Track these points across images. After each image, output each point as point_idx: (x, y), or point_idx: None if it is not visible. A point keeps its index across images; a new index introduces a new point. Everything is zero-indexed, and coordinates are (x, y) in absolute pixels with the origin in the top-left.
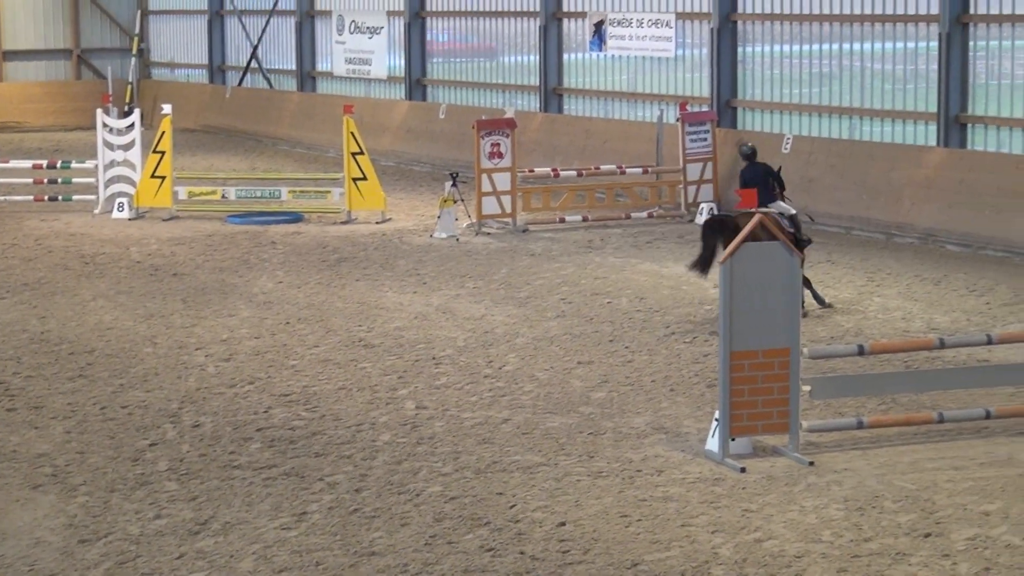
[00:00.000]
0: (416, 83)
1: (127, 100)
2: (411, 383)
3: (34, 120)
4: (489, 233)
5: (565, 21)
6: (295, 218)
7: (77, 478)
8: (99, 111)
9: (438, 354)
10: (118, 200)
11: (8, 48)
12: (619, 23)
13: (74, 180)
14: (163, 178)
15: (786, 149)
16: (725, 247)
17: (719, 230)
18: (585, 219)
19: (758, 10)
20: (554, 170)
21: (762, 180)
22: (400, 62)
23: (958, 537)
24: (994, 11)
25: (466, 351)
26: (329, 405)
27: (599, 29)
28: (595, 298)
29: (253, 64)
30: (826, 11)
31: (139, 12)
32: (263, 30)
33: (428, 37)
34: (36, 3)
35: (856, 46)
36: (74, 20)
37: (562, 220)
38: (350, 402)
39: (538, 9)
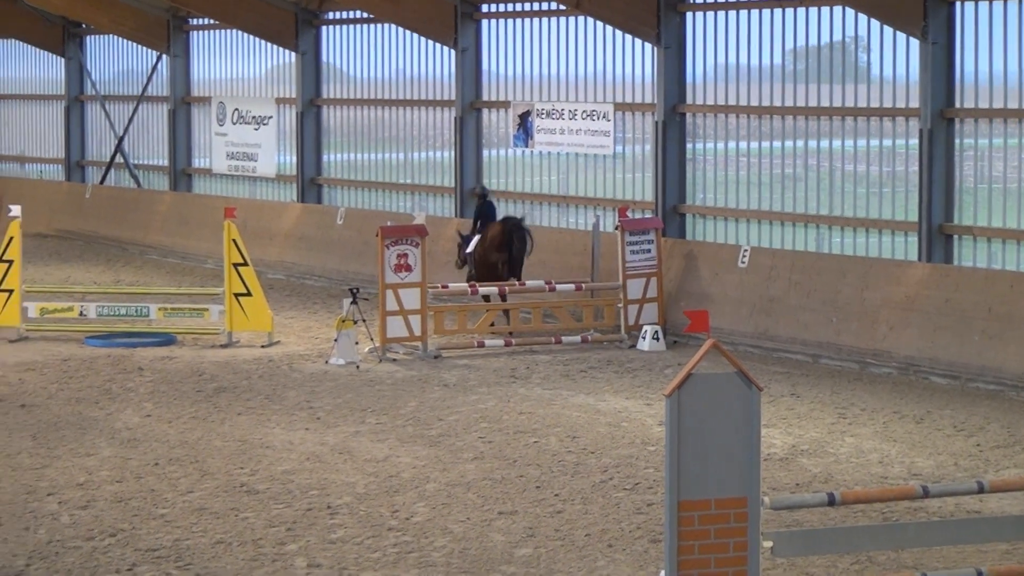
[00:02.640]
0: (310, 183)
1: None
2: (302, 536)
3: None
4: (395, 359)
5: (485, 112)
6: (166, 340)
7: None
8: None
9: (334, 502)
10: None
11: None
12: (548, 114)
13: None
14: (10, 292)
15: (743, 263)
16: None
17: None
18: (508, 344)
19: (710, 100)
20: (471, 286)
21: (494, 216)
22: (291, 158)
23: None
24: (983, 104)
25: (367, 499)
26: (205, 562)
27: (524, 121)
28: (519, 437)
29: (118, 159)
30: (789, 103)
31: None
32: (130, 119)
33: (324, 129)
34: None
35: (824, 143)
36: None
37: (481, 345)
38: (230, 558)
39: (453, 98)
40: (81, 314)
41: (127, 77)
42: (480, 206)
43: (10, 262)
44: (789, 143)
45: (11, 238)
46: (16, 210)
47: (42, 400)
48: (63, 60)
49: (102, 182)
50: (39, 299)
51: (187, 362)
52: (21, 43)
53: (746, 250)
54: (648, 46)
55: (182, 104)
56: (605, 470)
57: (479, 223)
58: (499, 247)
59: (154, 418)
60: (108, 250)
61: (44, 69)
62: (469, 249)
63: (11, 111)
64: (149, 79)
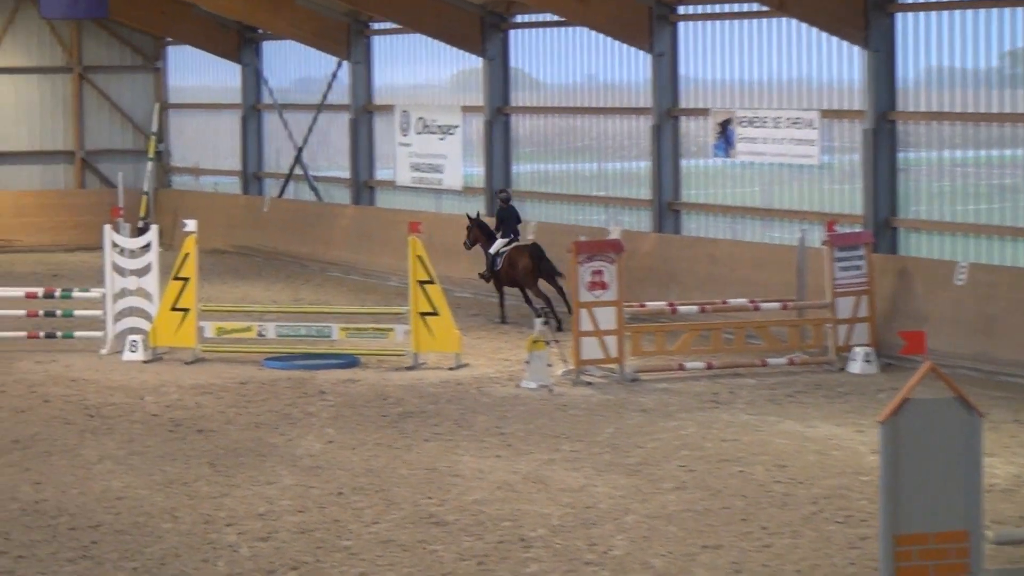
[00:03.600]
0: (498, 196)
1: (141, 214)
2: (494, 571)
3: (27, 238)
4: (590, 383)
5: (683, 120)
6: (349, 362)
7: None
8: (107, 228)
9: (527, 534)
10: (130, 338)
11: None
12: (750, 122)
13: (76, 313)
14: (186, 311)
15: (959, 280)
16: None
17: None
18: (710, 366)
19: (922, 107)
20: (671, 305)
21: (515, 220)
22: (478, 170)
23: None
24: None
25: (562, 531)
26: None
27: (725, 130)
28: (723, 465)
29: (297, 170)
30: (1007, 109)
31: (157, 106)
32: (310, 129)
33: (513, 139)
34: (30, 94)
35: None
36: (77, 115)
37: (681, 367)
38: None
39: (650, 105)
40: (260, 334)
41: (306, 84)
42: (502, 210)
43: (186, 280)
44: (1008, 152)
45: (187, 254)
46: (191, 225)
47: (220, 425)
48: (239, 67)
49: (281, 195)
50: (216, 318)
51: (371, 385)
52: (196, 50)
53: (963, 266)
54: (855, 49)
55: (363, 113)
56: (815, 501)
57: (502, 227)
58: (531, 273)
59: (337, 444)
60: (287, 267)
61: (220, 77)
62: (493, 250)
63: (185, 121)
64: (329, 86)
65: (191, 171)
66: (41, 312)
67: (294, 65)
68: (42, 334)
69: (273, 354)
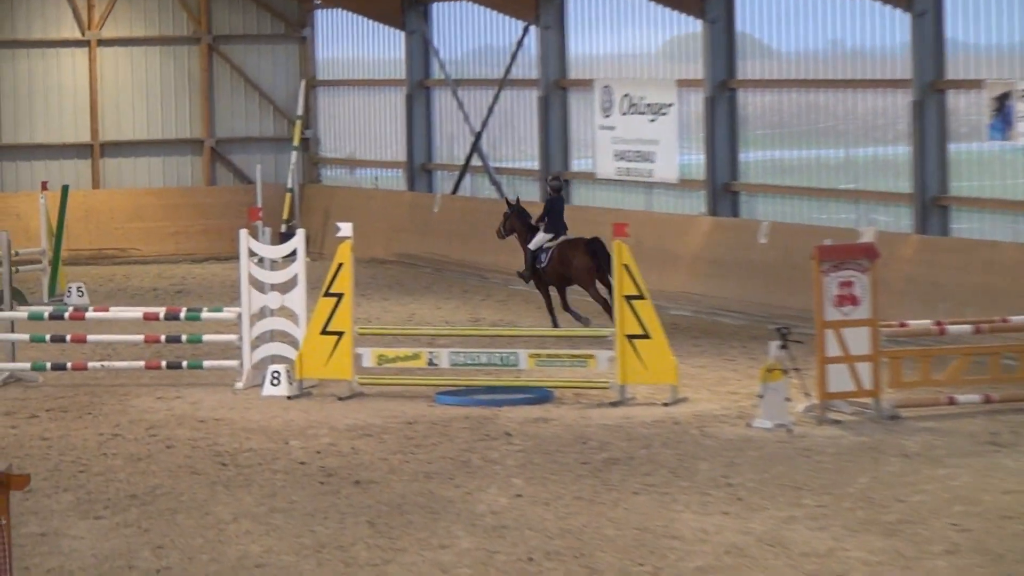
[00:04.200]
0: (723, 190)
1: (285, 216)
2: None
3: (146, 246)
4: (839, 421)
5: (951, 95)
6: (541, 397)
7: None
8: (243, 233)
9: None
10: (272, 369)
11: (109, 139)
12: None
13: (206, 338)
14: (339, 335)
15: None
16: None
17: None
18: (987, 400)
19: None
20: (938, 324)
21: (562, 212)
22: (698, 158)
23: None
24: None
25: None
26: None
27: (1003, 107)
28: (1005, 524)
29: (475, 161)
30: None
31: (303, 84)
32: (490, 110)
33: (740, 119)
34: (149, 71)
35: None
36: (206, 96)
37: (951, 401)
38: None
39: (909, 76)
40: (431, 363)
41: (485, 55)
42: (551, 199)
43: (339, 296)
44: None
45: (340, 265)
46: (346, 228)
47: (382, 475)
48: (403, 35)
49: (455, 191)
50: (377, 344)
51: (568, 425)
52: (351, 14)
53: None
54: None
55: (556, 89)
56: None
57: (547, 218)
58: (589, 271)
59: (526, 499)
60: (464, 279)
61: (380, 47)
62: (533, 245)
63: (338, 101)
64: (513, 58)
65: (345, 163)
66: (163, 337)
67: (470, 32)
68: (164, 364)
69: (447, 387)
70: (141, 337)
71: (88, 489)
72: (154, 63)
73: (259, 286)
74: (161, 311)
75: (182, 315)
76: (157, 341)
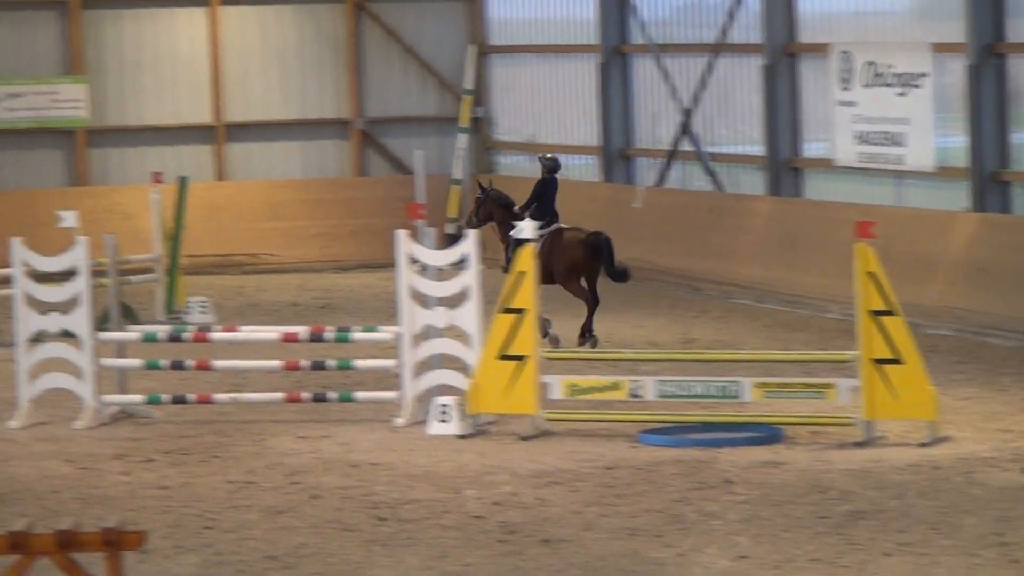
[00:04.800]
0: (990, 179)
1: (452, 214)
2: None
3: (283, 251)
4: None
5: None
6: (769, 436)
7: None
8: (401, 234)
9: None
10: (439, 402)
11: (235, 119)
12: None
13: (357, 364)
14: (522, 359)
15: None
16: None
17: None
18: None
19: None
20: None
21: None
22: (959, 140)
23: None
24: None
25: None
26: None
27: None
28: None
29: (685, 145)
30: None
31: (472, 50)
32: (702, 82)
33: (1012, 92)
34: (285, 37)
35: None
36: (353, 68)
37: None
38: None
39: None
40: (633, 394)
41: (696, 14)
42: (544, 182)
43: (521, 312)
44: None
45: (521, 274)
46: (527, 229)
47: (575, 533)
48: None
49: (660, 182)
50: (567, 370)
51: (801, 470)
52: None
53: None
54: None
55: (783, 56)
56: None
57: (536, 203)
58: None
59: (752, 561)
60: (672, 291)
61: (567, 5)
62: (520, 234)
63: (515, 72)
64: (731, 17)
65: (525, 148)
66: (305, 363)
67: None
68: (307, 396)
69: (653, 424)
70: (279, 363)
71: (216, 549)
72: (290, 26)
73: (422, 300)
74: (303, 331)
75: (329, 335)
76: (298, 368)
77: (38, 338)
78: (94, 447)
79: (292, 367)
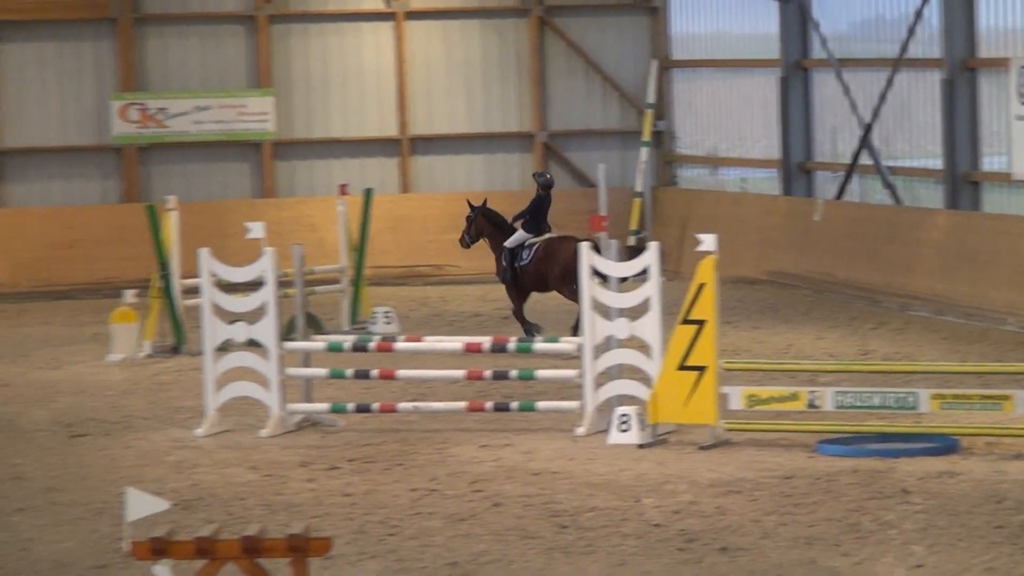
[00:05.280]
0: (536, 179)
1: (634, 226)
2: None
3: (466, 262)
4: None
5: None
6: (945, 446)
7: None
8: (583, 246)
9: None
10: (619, 411)
11: (419, 133)
12: None
13: (539, 374)
14: (701, 370)
15: None
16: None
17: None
18: None
19: None
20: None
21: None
22: None
23: None
24: None
25: None
26: None
27: None
28: None
29: (864, 159)
30: None
31: (655, 65)
32: (882, 96)
33: None
34: (469, 48)
35: None
36: (536, 81)
37: None
38: None
39: None
40: (811, 404)
41: (875, 29)
42: (540, 199)
43: (701, 323)
44: None
45: (702, 285)
46: (708, 241)
47: (754, 541)
48: (776, 6)
49: (839, 196)
50: (746, 381)
51: (978, 481)
52: None
53: None
54: None
55: (963, 70)
56: None
57: (530, 217)
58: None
59: (928, 570)
60: (850, 303)
61: (748, 21)
62: (512, 243)
63: (697, 87)
64: (911, 32)
65: (706, 161)
66: (488, 373)
67: (857, 1)
68: (489, 405)
69: (831, 434)
70: (462, 373)
71: (399, 555)
72: (474, 40)
73: (604, 311)
74: (486, 341)
75: (511, 346)
76: (481, 378)
77: (225, 347)
78: (279, 455)
79: (475, 377)
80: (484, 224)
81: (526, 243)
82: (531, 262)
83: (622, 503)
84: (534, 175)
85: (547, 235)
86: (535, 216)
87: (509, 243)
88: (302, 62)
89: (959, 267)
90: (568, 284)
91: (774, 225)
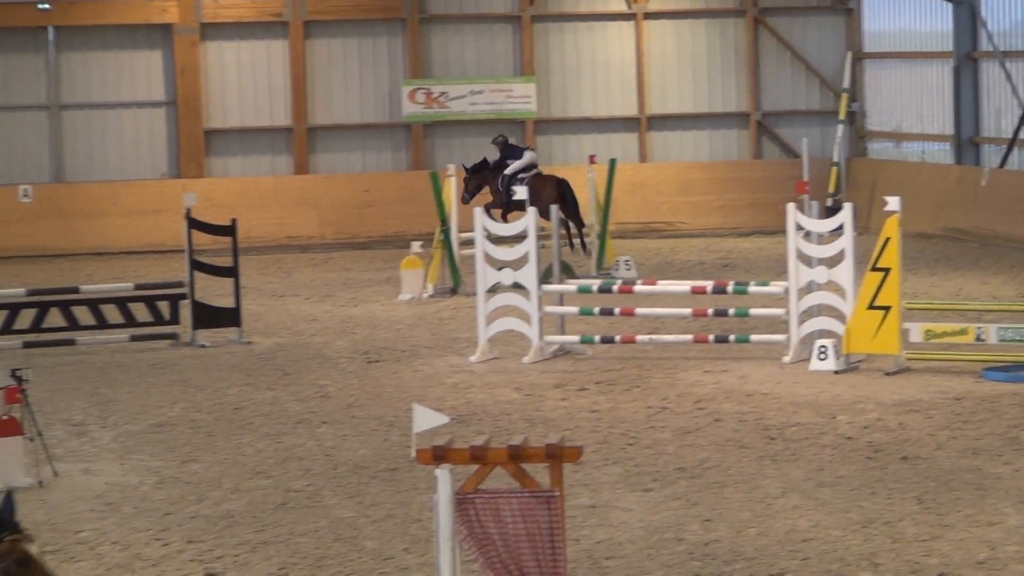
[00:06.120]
0: (494, 143)
1: (831, 190)
2: None
3: (692, 219)
4: None
5: None
6: None
7: None
8: (790, 207)
9: None
10: (819, 344)
11: (655, 112)
12: None
13: (752, 312)
14: (886, 310)
15: None
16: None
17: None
18: None
19: None
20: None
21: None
22: None
23: None
24: None
25: None
26: None
27: None
28: None
29: (1023, 135)
30: None
31: (849, 56)
32: None
33: None
34: (695, 43)
35: None
36: (752, 69)
37: None
38: None
39: None
40: (978, 338)
41: None
42: (504, 153)
43: (886, 271)
44: None
45: (887, 239)
46: (893, 203)
47: (929, 451)
48: (950, 7)
49: (1002, 165)
50: (924, 319)
51: None
52: None
53: None
54: None
55: None
56: None
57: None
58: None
59: None
60: (1012, 254)
61: (926, 18)
62: (510, 171)
63: (884, 74)
64: None
65: (891, 136)
66: (710, 311)
67: (1020, 2)
68: (711, 338)
69: (995, 363)
70: (689, 311)
71: (636, 462)
72: (700, 36)
73: (806, 260)
74: (708, 285)
75: (729, 289)
76: (704, 315)
77: (494, 289)
78: (538, 378)
79: (699, 314)
80: (478, 178)
81: (519, 176)
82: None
83: (820, 419)
84: (493, 140)
85: (534, 170)
86: (508, 158)
87: (509, 170)
88: (558, 54)
89: None
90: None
91: (948, 189)
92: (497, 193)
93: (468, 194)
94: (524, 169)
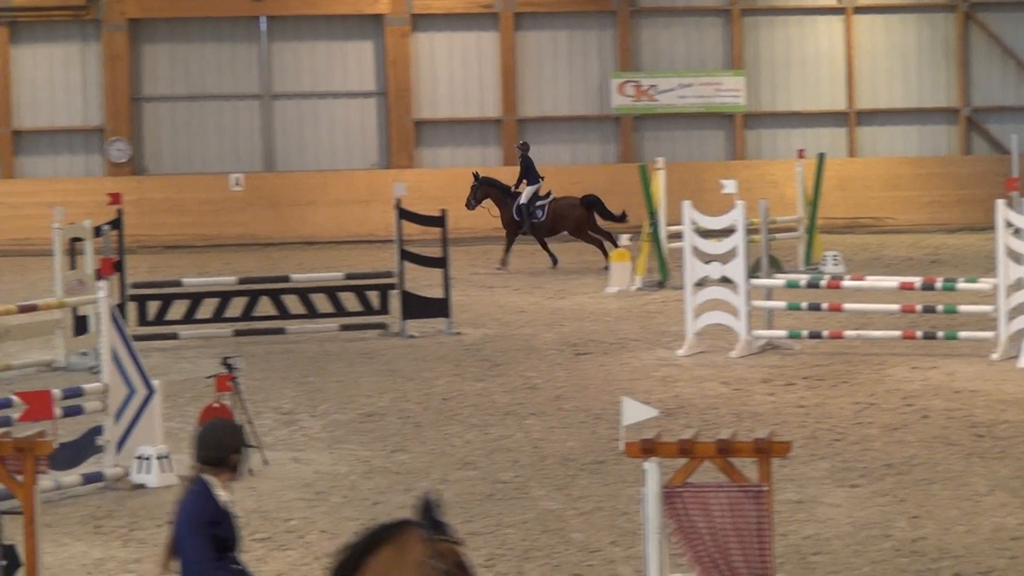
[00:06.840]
0: (518, 147)
1: None
2: None
3: (900, 215)
4: None
5: None
6: None
7: None
8: (999, 203)
9: None
10: None
11: (864, 107)
12: None
13: (961, 308)
14: None
15: None
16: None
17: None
18: None
19: None
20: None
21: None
22: None
23: None
24: None
25: None
26: None
27: None
28: None
29: None
30: None
31: None
32: None
33: None
34: (905, 38)
35: None
36: (962, 64)
37: None
38: None
39: None
40: None
41: None
42: (524, 159)
43: None
44: None
45: None
46: (527, 194)
47: None
48: None
49: None
50: None
51: None
52: None
53: None
54: None
55: None
56: None
57: (527, 176)
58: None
59: None
60: None
61: None
62: (525, 199)
63: None
64: None
65: None
66: (918, 307)
67: None
68: (919, 334)
69: None
70: (897, 306)
71: (844, 457)
72: (909, 30)
73: (1016, 258)
74: (917, 281)
75: (938, 285)
76: (913, 311)
77: (702, 282)
78: (745, 372)
79: (908, 310)
80: (489, 190)
81: (538, 203)
82: (545, 219)
83: None
84: (516, 145)
85: (552, 196)
86: (530, 174)
87: (524, 199)
88: (768, 48)
89: None
90: (581, 234)
91: None
92: (506, 213)
93: (474, 200)
94: (535, 195)
